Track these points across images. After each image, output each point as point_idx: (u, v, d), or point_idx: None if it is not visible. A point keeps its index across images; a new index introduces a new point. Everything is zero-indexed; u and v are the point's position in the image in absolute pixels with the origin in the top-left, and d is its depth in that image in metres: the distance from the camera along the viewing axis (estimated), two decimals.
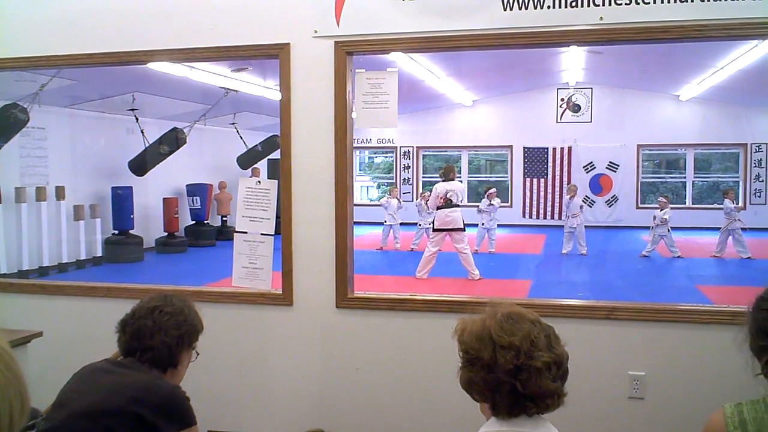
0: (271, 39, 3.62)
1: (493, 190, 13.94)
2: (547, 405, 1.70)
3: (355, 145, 3.75)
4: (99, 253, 12.28)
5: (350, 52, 3.54)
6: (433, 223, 10.46)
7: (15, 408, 0.94)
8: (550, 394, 1.69)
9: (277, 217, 3.71)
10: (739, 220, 12.48)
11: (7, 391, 0.92)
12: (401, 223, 14.25)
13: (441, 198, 9.95)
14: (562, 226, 13.89)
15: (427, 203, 13.16)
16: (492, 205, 13.28)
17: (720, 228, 12.86)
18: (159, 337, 2.28)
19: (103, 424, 2.02)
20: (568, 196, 13.74)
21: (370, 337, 3.64)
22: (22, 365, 3.11)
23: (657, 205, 13.29)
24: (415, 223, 13.97)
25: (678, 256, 12.53)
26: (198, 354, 2.47)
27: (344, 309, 3.64)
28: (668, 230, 12.58)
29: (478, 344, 1.73)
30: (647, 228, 13.51)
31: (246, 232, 3.74)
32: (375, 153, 20.60)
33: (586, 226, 13.46)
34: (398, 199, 14.71)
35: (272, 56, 3.65)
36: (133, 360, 2.27)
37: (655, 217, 12.71)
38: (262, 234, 3.73)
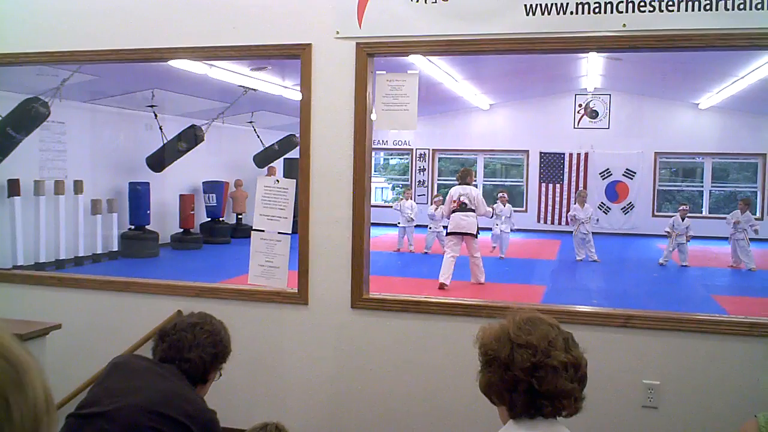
0: (293, 39, 3.64)
1: (502, 194, 13.75)
2: (563, 405, 1.71)
3: None
4: (115, 248, 12.35)
5: (371, 54, 3.55)
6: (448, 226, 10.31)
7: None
8: (567, 394, 1.70)
9: (294, 216, 3.72)
10: (744, 230, 12.28)
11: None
12: (416, 226, 14.21)
13: (454, 201, 9.83)
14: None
15: (439, 208, 13.10)
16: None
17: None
18: (197, 352, 2.35)
19: (155, 423, 2.09)
20: (577, 204, 13.55)
21: (385, 338, 3.65)
22: (41, 357, 3.13)
23: (673, 214, 13.13)
24: (428, 226, 13.94)
25: (685, 265, 12.42)
26: (221, 375, 2.52)
27: (359, 309, 3.65)
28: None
29: (496, 344, 1.76)
30: (662, 236, 13.38)
31: (263, 231, 3.76)
32: (390, 154, 20.60)
33: (602, 233, 13.33)
34: (412, 200, 14.57)
35: (294, 56, 3.67)
36: (174, 368, 2.33)
37: (674, 225, 12.47)
38: (279, 233, 3.74)
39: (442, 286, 9.43)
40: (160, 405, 2.13)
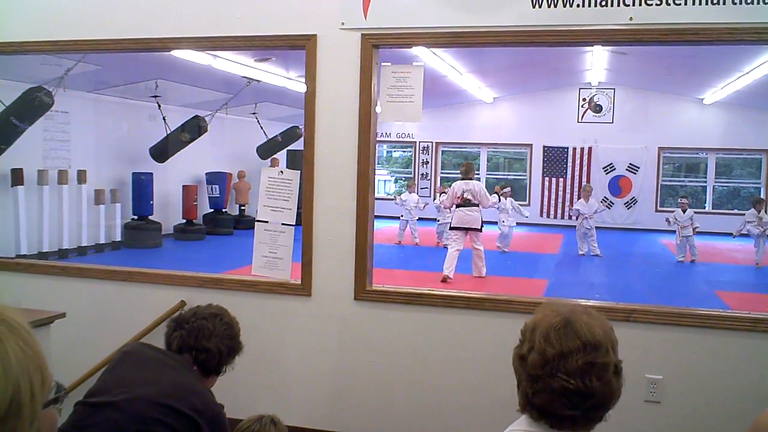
0: (298, 30, 3.63)
1: (506, 189, 13.66)
2: (553, 422, 1.58)
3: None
4: (118, 238, 12.36)
5: (377, 45, 3.54)
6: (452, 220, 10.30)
7: (35, 382, 0.97)
8: (558, 416, 1.57)
9: (298, 207, 3.72)
10: (759, 226, 12.23)
11: (27, 366, 0.96)
12: (419, 219, 14.19)
13: (458, 197, 9.86)
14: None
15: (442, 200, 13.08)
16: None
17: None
18: (215, 341, 2.37)
19: (164, 416, 2.11)
20: (582, 198, 13.53)
21: (387, 329, 3.65)
22: (45, 345, 3.13)
23: (677, 208, 13.07)
24: (434, 219, 13.92)
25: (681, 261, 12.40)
26: (233, 368, 2.53)
27: (362, 301, 3.65)
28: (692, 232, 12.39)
29: (528, 332, 1.63)
30: (665, 231, 13.33)
31: (267, 222, 3.76)
32: (394, 147, 20.56)
33: (604, 228, 13.29)
34: (416, 194, 14.58)
35: (298, 47, 3.66)
36: (187, 359, 2.35)
37: (677, 219, 12.39)
38: (283, 224, 3.74)
39: (445, 279, 9.49)
40: (169, 398, 2.14)
